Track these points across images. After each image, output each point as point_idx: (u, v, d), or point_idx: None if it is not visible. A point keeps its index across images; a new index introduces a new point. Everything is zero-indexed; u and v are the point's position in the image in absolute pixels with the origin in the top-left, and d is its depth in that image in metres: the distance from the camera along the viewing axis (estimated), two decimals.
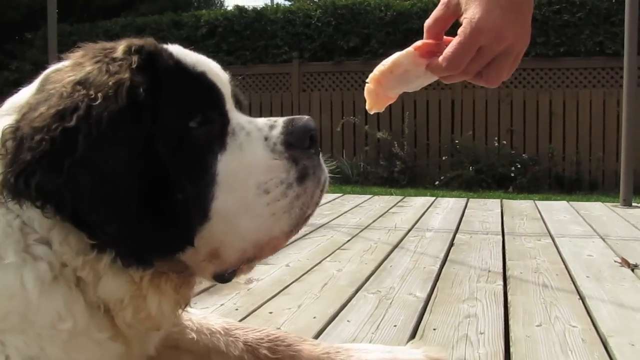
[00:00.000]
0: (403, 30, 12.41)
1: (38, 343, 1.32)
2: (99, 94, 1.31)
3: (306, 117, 1.53)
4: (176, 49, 1.51)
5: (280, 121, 1.50)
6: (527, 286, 3.11)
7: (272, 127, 1.49)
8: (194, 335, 1.92)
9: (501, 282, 3.16)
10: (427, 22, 1.53)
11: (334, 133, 12.53)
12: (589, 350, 2.24)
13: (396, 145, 11.91)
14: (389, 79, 1.52)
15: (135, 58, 1.39)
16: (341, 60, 12.90)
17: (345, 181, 11.62)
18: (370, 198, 6.74)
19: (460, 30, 1.43)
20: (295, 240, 4.27)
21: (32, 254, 1.34)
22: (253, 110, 13.00)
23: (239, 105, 1.60)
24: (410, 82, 1.54)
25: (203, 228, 1.40)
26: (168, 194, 1.34)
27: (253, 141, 1.47)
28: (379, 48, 12.51)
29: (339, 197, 6.56)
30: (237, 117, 1.51)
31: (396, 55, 1.51)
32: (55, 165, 1.25)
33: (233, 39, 13.63)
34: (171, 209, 1.35)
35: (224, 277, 1.52)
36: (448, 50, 1.44)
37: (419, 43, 1.51)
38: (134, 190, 1.30)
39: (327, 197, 6.60)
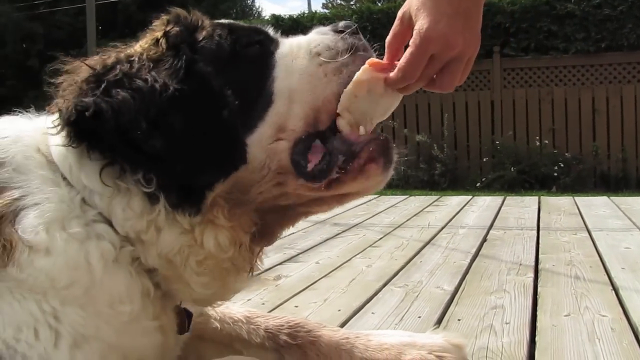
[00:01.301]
0: None
1: (95, 322, 1.37)
2: (137, 58, 1.48)
3: (343, 20, 1.66)
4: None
5: (322, 28, 1.64)
6: (559, 278, 3.06)
7: (317, 32, 1.63)
8: (217, 324, 1.96)
9: (532, 275, 3.11)
10: (388, 39, 1.60)
11: None
12: (618, 338, 2.19)
13: (436, 147, 11.82)
14: (355, 103, 1.53)
15: (170, 26, 1.55)
16: None
17: (386, 186, 11.52)
18: (406, 198, 6.72)
19: (411, 41, 1.49)
20: (327, 239, 4.30)
21: (95, 230, 1.40)
22: None
23: None
24: (376, 104, 1.56)
25: (267, 113, 1.50)
26: (215, 109, 1.43)
27: (302, 49, 1.59)
28: None
29: (374, 199, 6.56)
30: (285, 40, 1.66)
31: (355, 75, 1.54)
32: (94, 85, 1.39)
33: None
34: (219, 124, 1.43)
35: (299, 164, 1.51)
36: (402, 62, 1.50)
37: (372, 60, 1.56)
38: (175, 105, 1.38)
39: (361, 199, 6.63)
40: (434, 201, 6.38)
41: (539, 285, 2.92)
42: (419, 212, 5.54)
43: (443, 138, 11.99)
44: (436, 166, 11.81)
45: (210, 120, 1.42)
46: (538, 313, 2.50)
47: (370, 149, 1.54)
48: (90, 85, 1.40)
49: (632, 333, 2.25)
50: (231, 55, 1.53)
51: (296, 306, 2.68)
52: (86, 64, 1.48)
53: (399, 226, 4.80)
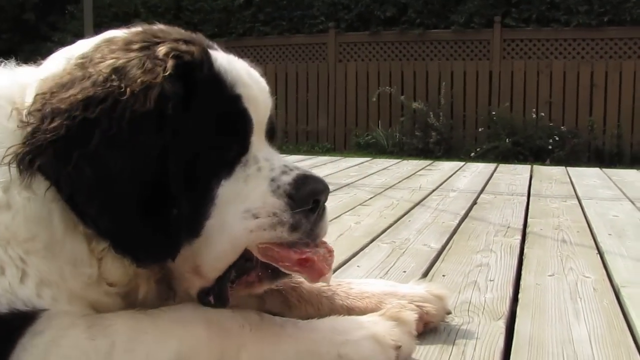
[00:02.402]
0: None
1: (60, 272, 1.38)
2: (128, 89, 1.33)
3: (319, 179, 1.51)
4: (221, 59, 1.50)
5: (294, 173, 1.48)
6: (545, 241, 3.07)
7: (284, 172, 1.48)
8: None
9: (519, 237, 3.13)
10: None
11: (370, 103, 12.46)
12: (599, 298, 2.21)
13: (432, 116, 11.79)
14: None
15: (171, 64, 1.39)
16: (378, 30, 12.77)
17: (380, 152, 11.60)
18: (398, 162, 6.72)
19: None
20: None
21: (58, 195, 1.39)
22: (289, 80, 13.03)
23: (270, 133, 1.61)
24: None
25: (192, 243, 1.44)
26: (165, 206, 1.37)
27: (260, 177, 1.47)
28: (416, 18, 12.34)
29: (367, 161, 6.55)
30: (257, 149, 1.52)
31: None
32: (64, 153, 1.30)
33: (270, 9, 13.60)
34: (165, 221, 1.37)
35: (205, 298, 1.51)
36: None
37: None
38: (133, 196, 1.33)
39: (354, 160, 6.63)
40: (427, 166, 6.38)
41: (525, 247, 2.94)
42: (411, 175, 5.54)
43: (439, 106, 11.95)
44: (431, 134, 11.80)
45: (161, 216, 1.37)
46: (523, 272, 2.52)
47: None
48: (60, 151, 1.30)
49: (613, 293, 2.27)
50: (199, 153, 1.42)
51: None
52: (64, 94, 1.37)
53: (390, 187, 4.81)
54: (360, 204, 4.04)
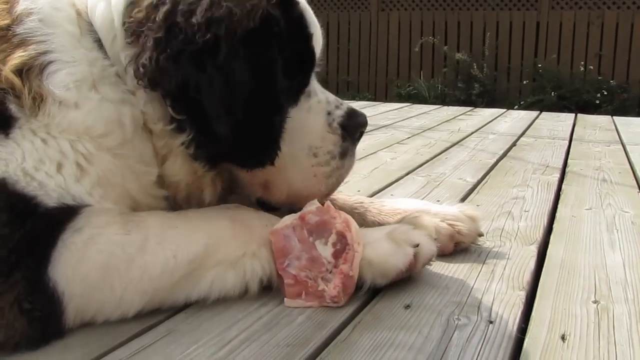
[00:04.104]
0: None
1: (125, 173, 1.46)
2: (239, 11, 1.41)
3: (363, 113, 1.77)
4: (302, 1, 1.63)
5: (344, 106, 1.72)
6: (585, 180, 3.01)
7: (337, 107, 1.69)
8: None
9: (558, 175, 3.07)
10: None
11: (412, 54, 12.24)
12: (637, 230, 2.17)
13: (475, 67, 11.51)
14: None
15: None
16: None
17: (422, 103, 11.40)
18: (438, 107, 6.62)
19: None
20: None
21: (129, 99, 1.46)
22: (331, 30, 12.86)
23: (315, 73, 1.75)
24: None
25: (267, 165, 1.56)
26: (274, 114, 1.50)
27: (319, 109, 1.66)
28: None
29: (406, 106, 6.48)
30: (315, 84, 1.70)
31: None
32: (200, 63, 1.37)
33: None
34: (272, 128, 1.51)
35: (264, 204, 1.71)
36: None
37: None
38: (256, 105, 1.44)
39: (394, 105, 6.55)
40: (467, 111, 6.27)
41: (563, 184, 2.88)
42: (450, 119, 5.46)
43: (484, 58, 11.65)
44: (474, 86, 11.54)
45: (268, 120, 1.50)
46: (559, 206, 2.49)
47: None
48: (194, 60, 1.38)
49: None
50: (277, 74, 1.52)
51: None
52: None
53: (428, 129, 4.75)
54: (397, 142, 4.02)
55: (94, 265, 1.31)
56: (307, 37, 1.61)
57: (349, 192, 2.52)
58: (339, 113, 1.68)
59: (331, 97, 1.72)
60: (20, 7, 1.43)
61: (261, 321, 1.40)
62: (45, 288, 1.25)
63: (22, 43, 1.39)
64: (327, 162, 1.64)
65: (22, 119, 1.34)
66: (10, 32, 1.40)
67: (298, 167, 1.62)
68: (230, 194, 1.72)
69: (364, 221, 1.88)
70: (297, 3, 1.59)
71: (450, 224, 1.83)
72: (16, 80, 1.34)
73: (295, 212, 1.58)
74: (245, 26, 1.41)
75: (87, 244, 1.32)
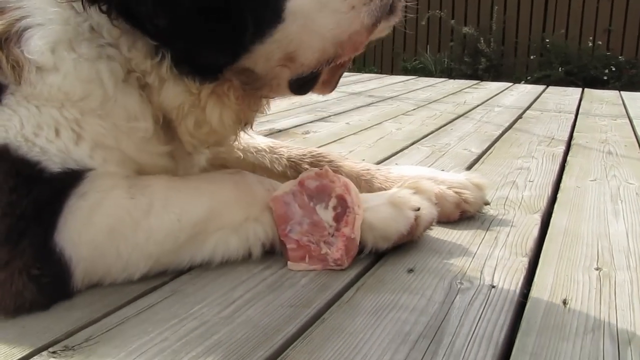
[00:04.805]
0: None
1: (115, 134, 1.41)
2: None
3: None
4: None
5: None
6: (590, 152, 3.00)
7: None
8: (240, 154, 1.99)
9: (563, 147, 3.06)
10: None
11: (419, 27, 12.12)
12: None
13: (482, 41, 11.41)
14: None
15: None
16: None
17: (428, 77, 11.34)
18: (444, 81, 6.59)
19: None
20: (360, 107, 4.29)
21: (105, 52, 1.40)
22: None
23: None
24: None
25: (276, 30, 1.36)
26: None
27: None
28: None
29: (412, 79, 6.45)
30: None
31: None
32: None
33: None
34: (226, 9, 1.31)
35: (301, 85, 1.49)
36: None
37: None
38: None
39: (400, 78, 6.52)
40: (474, 84, 6.24)
41: (569, 156, 2.88)
42: (456, 92, 5.43)
43: (491, 32, 11.54)
44: (481, 60, 11.45)
45: (219, 4, 1.31)
46: (564, 177, 2.48)
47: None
48: None
49: None
50: None
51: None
52: None
53: (434, 101, 4.74)
54: (402, 114, 4.01)
55: (100, 230, 1.32)
56: None
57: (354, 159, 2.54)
58: None
59: None
60: None
61: (265, 283, 1.41)
62: (52, 254, 1.27)
63: (0, 12, 1.38)
64: None
65: (11, 86, 1.34)
66: None
67: (328, 11, 1.35)
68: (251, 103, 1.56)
69: (371, 188, 1.88)
70: None
71: (456, 192, 1.84)
72: None
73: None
74: None
75: (93, 208, 1.33)
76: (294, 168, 1.99)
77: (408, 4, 1.51)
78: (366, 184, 1.90)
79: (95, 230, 1.32)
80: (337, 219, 1.50)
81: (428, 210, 1.60)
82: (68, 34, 1.38)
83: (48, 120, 1.35)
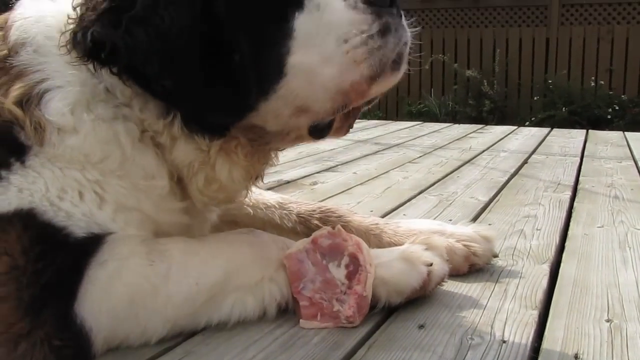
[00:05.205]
0: None
1: (135, 194, 1.46)
2: None
3: None
4: None
5: None
6: (597, 197, 3.02)
7: None
8: (250, 210, 2.03)
9: (569, 193, 3.08)
10: None
11: (423, 71, 12.29)
12: None
13: (486, 84, 11.54)
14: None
15: None
16: None
17: (433, 120, 11.43)
18: (449, 126, 6.65)
19: None
20: (367, 155, 4.33)
21: (121, 112, 1.45)
22: None
23: None
24: None
25: (279, 86, 1.41)
26: (224, 54, 1.37)
27: (331, 1, 1.43)
28: None
29: (418, 125, 6.51)
30: None
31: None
32: (114, 21, 1.32)
33: None
34: (226, 69, 1.37)
35: (321, 130, 1.55)
36: None
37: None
38: (189, 47, 1.34)
39: (405, 124, 6.59)
40: (478, 129, 6.29)
41: (575, 202, 2.90)
42: (461, 137, 5.48)
43: (494, 74, 11.68)
44: (485, 103, 11.55)
45: (222, 65, 1.37)
46: (571, 224, 2.50)
47: None
48: (110, 20, 1.33)
49: None
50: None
51: None
52: None
53: (440, 147, 4.78)
54: (409, 162, 4.05)
55: (120, 299, 1.34)
56: None
57: (362, 212, 2.56)
58: (350, 18, 1.42)
59: None
60: (13, 37, 1.47)
61: (277, 342, 1.42)
62: (74, 325, 1.29)
63: (20, 74, 1.42)
64: (363, 42, 1.40)
65: (35, 148, 1.37)
66: (8, 64, 1.44)
67: (330, 62, 1.40)
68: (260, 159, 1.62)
69: (380, 242, 1.91)
70: None
71: (465, 245, 1.86)
72: (18, 112, 1.37)
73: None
74: None
75: (112, 277, 1.35)
76: (303, 224, 2.01)
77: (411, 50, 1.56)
78: (375, 239, 1.93)
79: (115, 300, 1.34)
80: (350, 277, 1.53)
81: (440, 266, 1.63)
82: (86, 95, 1.43)
83: (71, 182, 1.38)
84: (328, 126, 1.56)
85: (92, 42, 1.33)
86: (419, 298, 1.62)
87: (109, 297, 1.33)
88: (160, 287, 1.38)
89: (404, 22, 1.50)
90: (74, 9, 1.39)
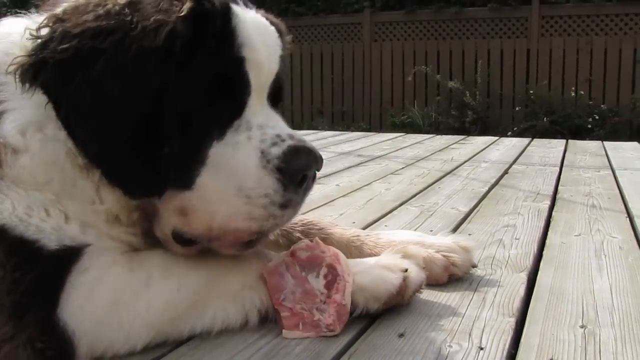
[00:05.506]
0: None
1: (90, 214, 1.47)
2: (140, 25, 1.35)
3: (311, 150, 1.48)
4: (241, 16, 1.47)
5: (285, 145, 1.45)
6: (575, 206, 3.09)
7: (275, 144, 1.45)
8: None
9: (548, 202, 3.14)
10: None
11: (406, 83, 12.40)
12: (625, 255, 2.24)
13: (468, 95, 11.66)
14: None
15: (187, 6, 1.39)
16: (413, 9, 12.63)
17: (416, 131, 11.48)
18: (432, 137, 6.72)
19: None
20: (349, 167, 4.37)
21: (62, 135, 1.43)
22: (324, 60, 13.04)
23: (275, 97, 1.58)
24: None
25: (186, 195, 1.45)
26: (157, 142, 1.38)
27: (249, 147, 1.44)
28: None
29: (400, 136, 6.57)
30: (254, 114, 1.48)
31: None
32: (67, 75, 1.34)
33: None
34: (154, 157, 1.40)
35: (185, 240, 1.53)
36: None
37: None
38: (127, 126, 1.36)
39: (388, 135, 6.65)
40: (460, 140, 6.37)
41: (554, 211, 2.96)
42: (443, 149, 5.56)
43: (476, 85, 11.81)
44: (467, 113, 11.68)
45: (151, 151, 1.39)
46: (549, 233, 2.55)
47: None
48: (65, 75, 1.34)
49: (639, 251, 2.28)
50: (195, 104, 1.41)
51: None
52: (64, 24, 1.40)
53: (422, 159, 4.84)
54: (391, 173, 4.10)
55: (101, 304, 1.37)
56: (237, 61, 1.44)
57: (344, 224, 2.59)
58: (275, 152, 1.43)
59: (271, 132, 1.48)
60: None
61: (261, 352, 1.45)
62: (56, 328, 1.32)
63: None
64: (264, 206, 1.43)
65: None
66: None
67: (226, 203, 1.44)
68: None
69: (361, 254, 1.94)
70: (228, 19, 1.45)
71: (444, 255, 1.90)
72: None
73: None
74: (142, 45, 1.34)
75: (94, 283, 1.38)
76: (285, 237, 2.04)
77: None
78: (356, 250, 1.96)
79: (97, 304, 1.37)
80: (328, 286, 1.57)
81: (416, 273, 1.67)
82: (39, 116, 1.43)
83: (36, 201, 1.41)
84: (189, 241, 1.53)
85: (40, 86, 1.35)
86: (399, 307, 1.66)
87: (91, 302, 1.36)
88: (142, 292, 1.41)
89: (305, 195, 1.53)
90: (37, 30, 1.39)
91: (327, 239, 1.97)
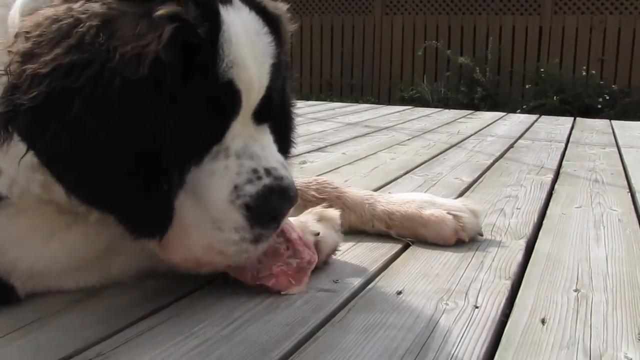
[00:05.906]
0: None
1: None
2: (118, 53, 1.21)
3: (286, 194, 1.43)
4: (232, 28, 1.34)
5: (261, 184, 1.39)
6: (577, 180, 3.12)
7: (250, 181, 1.39)
8: None
9: (552, 176, 3.17)
10: None
11: (416, 58, 12.34)
12: (623, 227, 2.28)
13: (478, 71, 11.61)
14: None
15: (168, 32, 1.23)
16: None
17: (425, 106, 11.49)
18: (440, 111, 6.74)
19: None
20: (356, 137, 4.41)
21: None
22: (335, 33, 12.98)
23: (264, 115, 1.48)
24: None
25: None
26: (159, 180, 1.29)
27: (224, 179, 1.38)
28: None
29: (408, 109, 6.59)
30: (232, 139, 1.40)
31: None
32: (42, 120, 1.20)
33: None
34: (161, 195, 1.31)
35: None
36: None
37: None
38: (123, 166, 1.25)
39: (395, 108, 6.66)
40: (468, 114, 6.38)
41: (556, 184, 2.99)
42: (451, 122, 5.58)
43: (486, 62, 11.75)
44: (477, 90, 11.64)
45: (157, 190, 1.30)
46: (550, 204, 2.59)
47: None
48: (39, 119, 1.21)
49: (638, 224, 2.32)
50: (180, 126, 1.30)
51: None
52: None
53: (429, 131, 4.87)
54: (397, 144, 4.14)
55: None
56: (227, 83, 1.33)
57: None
58: (249, 190, 1.38)
59: (248, 164, 1.40)
60: None
61: (263, 304, 1.50)
62: None
63: None
64: (235, 243, 1.40)
65: None
66: None
67: (201, 235, 1.39)
68: None
69: (374, 211, 2.01)
70: (215, 37, 1.31)
71: (454, 215, 1.95)
72: None
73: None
74: (125, 76, 1.20)
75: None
76: (300, 196, 2.08)
77: None
78: (370, 207, 2.03)
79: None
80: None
81: (330, 237, 1.72)
82: None
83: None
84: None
85: (18, 134, 1.24)
86: (398, 266, 1.70)
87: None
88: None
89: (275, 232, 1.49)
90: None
91: (342, 197, 2.05)
